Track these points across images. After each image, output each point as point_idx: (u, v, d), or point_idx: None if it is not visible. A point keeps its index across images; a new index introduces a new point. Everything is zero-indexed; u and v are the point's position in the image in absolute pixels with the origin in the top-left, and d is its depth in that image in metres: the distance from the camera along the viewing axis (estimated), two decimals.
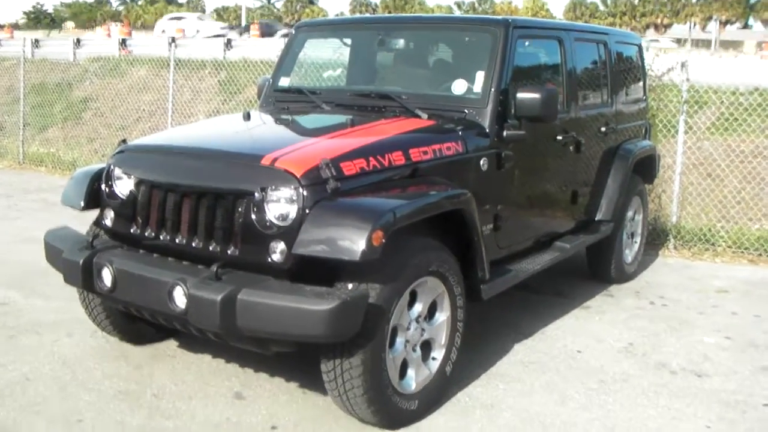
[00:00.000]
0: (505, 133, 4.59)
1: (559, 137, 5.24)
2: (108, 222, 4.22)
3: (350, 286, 3.53)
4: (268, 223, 3.58)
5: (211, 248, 3.76)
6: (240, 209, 3.65)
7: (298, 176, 3.56)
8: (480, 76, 4.66)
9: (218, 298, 3.38)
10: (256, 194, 3.60)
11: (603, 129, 5.94)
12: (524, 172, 4.92)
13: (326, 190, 3.56)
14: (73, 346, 4.84)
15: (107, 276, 3.88)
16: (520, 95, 4.54)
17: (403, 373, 3.87)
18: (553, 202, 5.42)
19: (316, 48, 5.67)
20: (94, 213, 4.36)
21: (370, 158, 3.81)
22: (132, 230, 4.06)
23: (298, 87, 5.30)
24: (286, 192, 3.56)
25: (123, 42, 17.95)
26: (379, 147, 3.93)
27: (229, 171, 3.80)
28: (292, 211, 3.54)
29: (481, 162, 4.45)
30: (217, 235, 3.74)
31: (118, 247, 4.09)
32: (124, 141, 4.46)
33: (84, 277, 3.96)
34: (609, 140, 6.09)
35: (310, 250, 3.43)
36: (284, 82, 5.42)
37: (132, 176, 4.09)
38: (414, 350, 3.91)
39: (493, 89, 4.58)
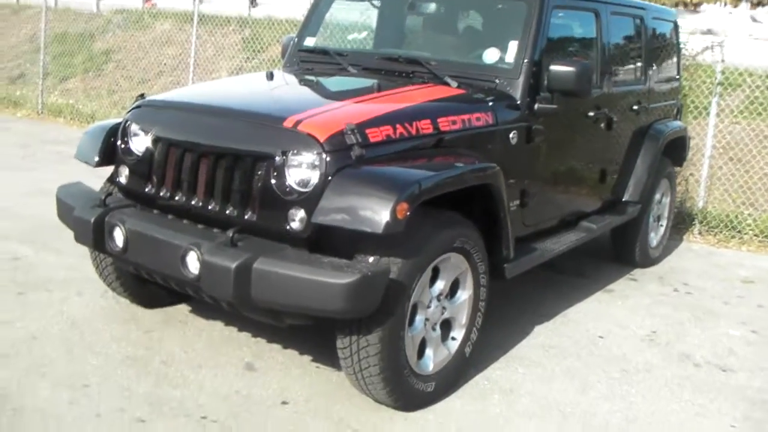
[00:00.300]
0: (536, 106, 4.40)
1: (591, 113, 5.04)
2: (122, 179, 4.07)
3: (371, 259, 3.37)
4: (288, 189, 3.41)
5: (227, 212, 3.61)
6: (260, 173, 3.48)
7: (322, 141, 3.38)
8: (513, 45, 4.45)
9: (233, 266, 3.22)
10: (277, 158, 3.43)
11: (635, 107, 5.73)
12: (554, 147, 4.74)
13: (350, 156, 3.39)
14: (83, 306, 4.72)
15: (119, 236, 3.74)
16: (554, 68, 4.34)
17: (421, 352, 3.73)
18: (582, 181, 5.24)
19: (343, 9, 5.46)
20: (110, 169, 4.20)
21: (398, 125, 3.63)
22: (147, 189, 3.90)
23: (323, 48, 5.09)
24: (309, 157, 3.39)
25: None
26: (407, 114, 3.75)
27: (249, 132, 3.62)
28: (314, 177, 3.37)
29: (511, 135, 4.26)
30: (235, 199, 3.58)
31: (131, 206, 3.93)
32: (142, 96, 4.29)
33: (95, 237, 3.82)
34: (640, 119, 5.88)
35: (331, 219, 3.27)
36: (309, 41, 5.21)
37: (149, 133, 3.92)
38: (434, 329, 3.76)
39: (526, 60, 4.38)
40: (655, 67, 6.11)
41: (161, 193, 3.85)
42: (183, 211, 3.79)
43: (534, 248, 4.58)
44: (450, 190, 3.57)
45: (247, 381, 3.94)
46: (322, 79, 4.71)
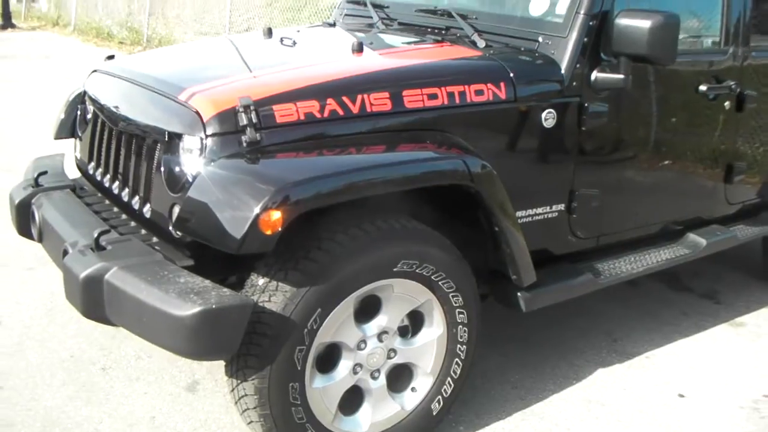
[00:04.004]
0: (594, 76, 3.17)
1: (704, 87, 3.66)
2: (77, 154, 3.56)
3: (260, 282, 2.47)
4: (171, 180, 2.61)
5: (132, 202, 2.87)
6: (155, 157, 2.72)
7: (205, 119, 2.52)
8: None
9: (81, 275, 2.45)
10: (166, 138, 2.63)
11: None
12: (630, 134, 3.47)
13: (240, 141, 2.48)
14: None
15: (36, 223, 3.15)
16: (620, 22, 3.08)
17: (355, 406, 2.75)
18: (686, 180, 3.85)
19: None
20: None
21: (328, 100, 2.63)
22: (89, 167, 3.31)
23: None
24: (193, 140, 2.55)
25: None
26: (349, 84, 2.72)
27: (150, 104, 2.86)
28: (194, 166, 2.52)
29: (544, 115, 3.08)
30: (136, 186, 2.85)
31: (63, 189, 3.29)
32: (111, 57, 3.64)
33: (19, 221, 3.30)
34: None
35: (188, 228, 2.43)
36: None
37: (93, 102, 3.29)
38: (374, 377, 2.76)
39: (582, 11, 3.16)
40: None
41: (94, 173, 3.24)
42: (109, 195, 3.12)
43: (584, 270, 3.38)
44: (368, 194, 2.53)
45: (174, 405, 3.22)
46: (307, 36, 3.76)
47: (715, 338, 4.12)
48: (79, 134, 3.51)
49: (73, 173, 3.56)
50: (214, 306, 2.24)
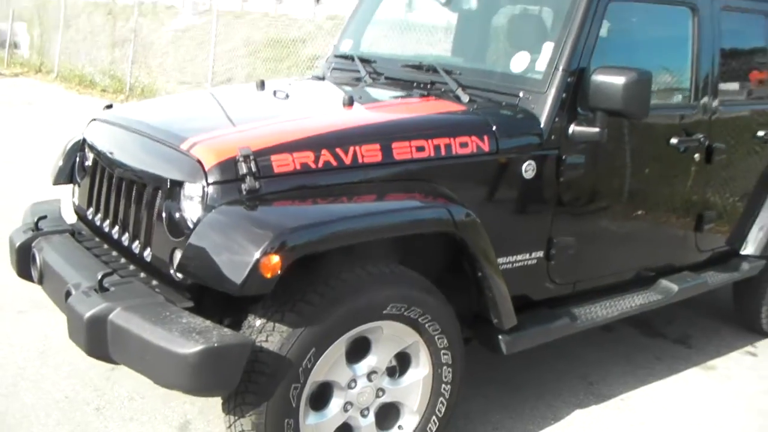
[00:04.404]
0: (571, 130, 3.37)
1: (675, 140, 3.87)
2: (75, 200, 3.69)
3: (258, 323, 2.61)
4: (174, 226, 2.76)
5: (133, 247, 3.00)
6: (156, 203, 2.87)
7: (207, 168, 2.68)
8: (547, 49, 3.45)
9: (86, 316, 2.58)
10: (169, 187, 2.78)
11: (761, 134, 4.42)
12: (605, 184, 3.66)
13: (240, 189, 2.64)
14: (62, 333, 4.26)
15: (36, 265, 3.26)
16: (597, 78, 3.29)
17: None
18: (658, 228, 4.05)
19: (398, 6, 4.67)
20: None
21: (323, 151, 2.81)
22: (89, 213, 3.45)
23: (351, 54, 4.32)
24: (195, 188, 2.70)
25: None
26: (342, 137, 2.90)
27: (152, 153, 3.01)
28: (196, 213, 2.67)
29: (524, 166, 3.27)
30: (137, 232, 2.99)
31: (63, 233, 3.42)
32: (109, 106, 3.80)
33: (19, 264, 3.41)
34: None
35: (190, 271, 2.57)
36: (346, 46, 4.47)
37: (93, 150, 3.45)
38: (364, 415, 2.89)
39: (560, 68, 3.37)
40: None
41: (93, 217, 3.38)
42: (108, 240, 3.26)
43: (562, 315, 3.54)
44: (364, 240, 2.70)
45: None
46: (300, 90, 3.95)
47: (687, 381, 4.29)
48: (78, 180, 3.64)
49: (70, 218, 3.69)
50: (216, 344, 2.38)
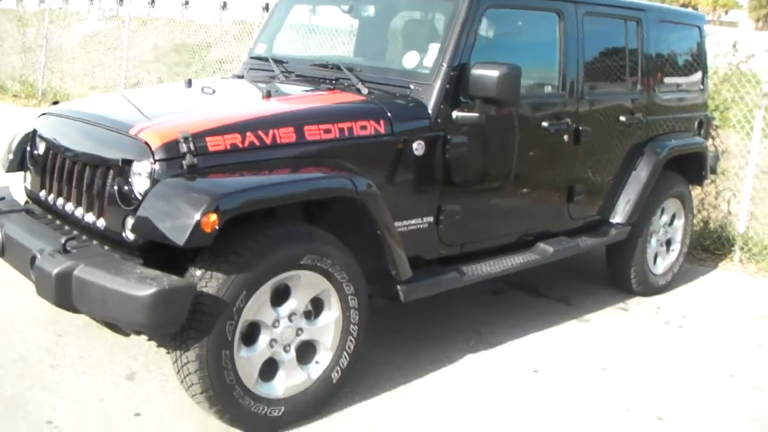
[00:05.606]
0: (455, 115, 4.04)
1: (545, 124, 4.60)
2: (27, 184, 4.17)
3: (198, 272, 3.20)
4: (124, 197, 3.34)
5: (85, 218, 3.55)
6: (109, 180, 3.43)
7: (154, 148, 3.25)
8: (434, 48, 4.13)
9: (53, 272, 3.14)
10: (120, 165, 3.35)
11: (623, 119, 5.20)
12: (486, 160, 4.35)
13: (181, 166, 3.22)
14: (12, 306, 4.75)
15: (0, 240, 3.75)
16: (475, 72, 3.97)
17: (271, 375, 3.48)
18: (535, 198, 4.77)
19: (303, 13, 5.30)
20: None
21: (248, 134, 3.42)
22: (39, 194, 3.94)
23: (266, 56, 4.93)
24: (143, 165, 3.28)
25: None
26: (263, 122, 3.52)
27: (105, 139, 3.55)
28: (145, 186, 3.25)
29: (415, 146, 3.93)
30: (90, 206, 3.53)
31: (20, 211, 3.93)
32: (55, 103, 4.31)
33: None
34: (633, 133, 5.33)
35: (143, 229, 3.15)
36: (261, 49, 5.08)
37: (44, 140, 3.95)
38: (286, 351, 3.51)
39: (444, 64, 4.05)
40: (659, 77, 5.54)
41: (46, 198, 3.88)
42: (61, 215, 3.78)
43: (451, 270, 4.20)
44: (281, 203, 3.34)
45: (118, 390, 3.83)
46: (223, 86, 4.55)
47: (565, 331, 5.04)
48: (30, 167, 4.13)
49: (21, 201, 4.19)
50: (167, 287, 2.96)
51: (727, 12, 76.20)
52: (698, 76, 6.06)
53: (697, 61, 6.03)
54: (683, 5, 36.91)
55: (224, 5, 22.70)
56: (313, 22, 5.32)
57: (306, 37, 5.27)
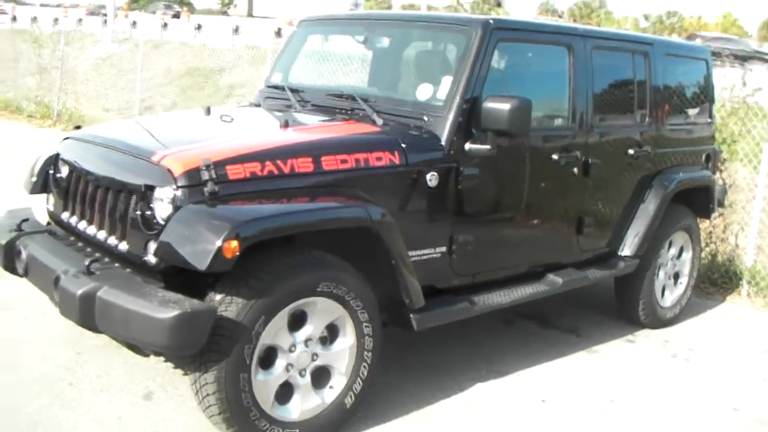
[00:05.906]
0: (467, 147, 4.15)
1: (556, 156, 4.70)
2: (50, 206, 4.30)
3: (218, 297, 3.30)
4: (147, 222, 3.45)
5: (108, 241, 3.66)
6: (131, 205, 3.55)
7: (176, 175, 3.37)
8: (446, 81, 4.25)
9: (78, 293, 3.25)
10: (142, 191, 3.47)
11: (632, 152, 5.30)
12: (497, 192, 4.46)
13: (202, 192, 3.33)
14: (29, 326, 4.85)
15: (22, 260, 3.88)
16: (487, 105, 4.09)
17: (287, 398, 3.57)
18: (545, 230, 4.87)
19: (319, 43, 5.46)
20: None
21: (267, 162, 3.54)
22: (63, 216, 4.06)
23: (283, 84, 5.07)
24: (166, 191, 3.40)
25: None
26: (282, 151, 3.64)
27: (127, 165, 3.68)
28: (167, 211, 3.36)
29: (428, 176, 4.04)
30: (112, 229, 3.66)
31: (43, 232, 4.05)
32: (78, 127, 4.44)
33: (6, 259, 4.01)
34: (642, 165, 5.42)
35: (166, 253, 3.26)
36: (277, 78, 5.22)
37: (67, 163, 4.08)
38: (302, 375, 3.60)
39: (457, 97, 4.16)
40: (667, 110, 5.64)
41: (68, 219, 4.01)
42: (83, 237, 3.90)
43: (463, 300, 4.28)
44: (301, 230, 3.46)
45: (135, 410, 3.93)
46: (242, 114, 4.69)
47: (574, 361, 5.10)
48: (53, 190, 4.25)
49: (44, 222, 4.30)
50: (189, 310, 3.07)
51: None
52: (705, 108, 6.16)
53: (704, 94, 6.13)
54: (689, 37, 37.09)
55: (236, 29, 22.99)
56: (326, 48, 5.46)
57: (319, 64, 5.41)
